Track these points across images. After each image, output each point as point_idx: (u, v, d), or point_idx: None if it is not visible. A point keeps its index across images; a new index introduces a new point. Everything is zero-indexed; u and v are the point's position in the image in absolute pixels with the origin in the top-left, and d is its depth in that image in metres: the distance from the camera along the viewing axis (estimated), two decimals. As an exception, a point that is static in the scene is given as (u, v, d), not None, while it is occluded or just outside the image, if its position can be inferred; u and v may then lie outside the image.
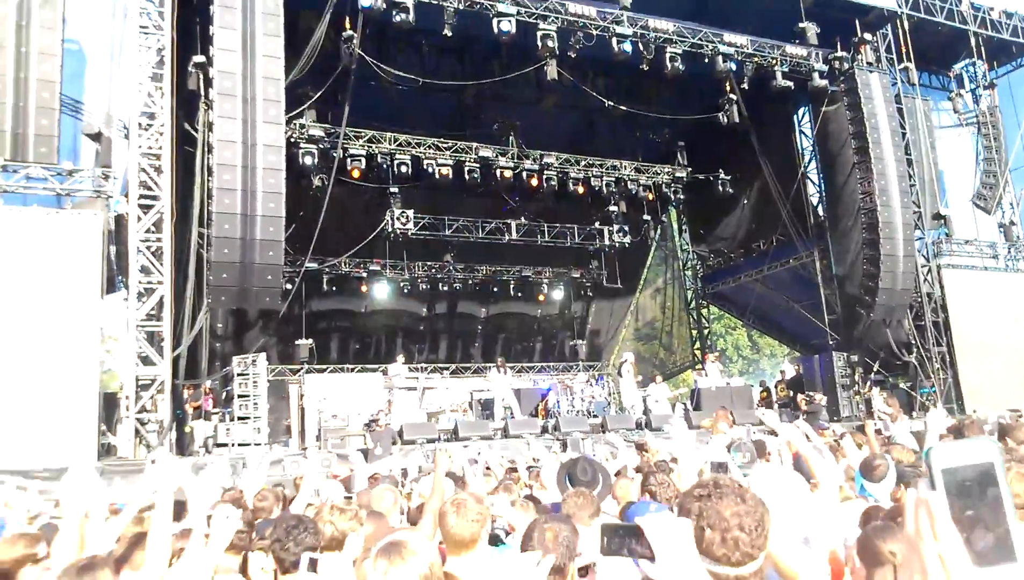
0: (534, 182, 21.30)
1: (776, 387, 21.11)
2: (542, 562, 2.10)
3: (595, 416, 18.09)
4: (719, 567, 1.73)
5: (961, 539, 0.99)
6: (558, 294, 25.75)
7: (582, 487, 4.96)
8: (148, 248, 13.61)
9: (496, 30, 16.11)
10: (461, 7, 15.98)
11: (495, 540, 4.13)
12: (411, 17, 15.28)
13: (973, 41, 21.65)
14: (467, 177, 20.24)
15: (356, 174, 19.22)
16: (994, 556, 1.02)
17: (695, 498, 1.88)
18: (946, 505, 1.01)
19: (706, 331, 27.71)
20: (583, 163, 22.04)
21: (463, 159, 20.26)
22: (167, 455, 12.56)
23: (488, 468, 9.75)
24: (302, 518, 3.82)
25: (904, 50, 20.53)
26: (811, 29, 18.77)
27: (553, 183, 21.36)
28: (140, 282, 13.59)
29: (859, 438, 8.80)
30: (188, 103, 15.05)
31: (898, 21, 20.43)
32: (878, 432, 9.86)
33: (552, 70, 16.96)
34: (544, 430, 16.32)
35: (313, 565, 3.14)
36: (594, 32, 17.25)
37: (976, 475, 1.04)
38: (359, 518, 3.74)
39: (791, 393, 20.12)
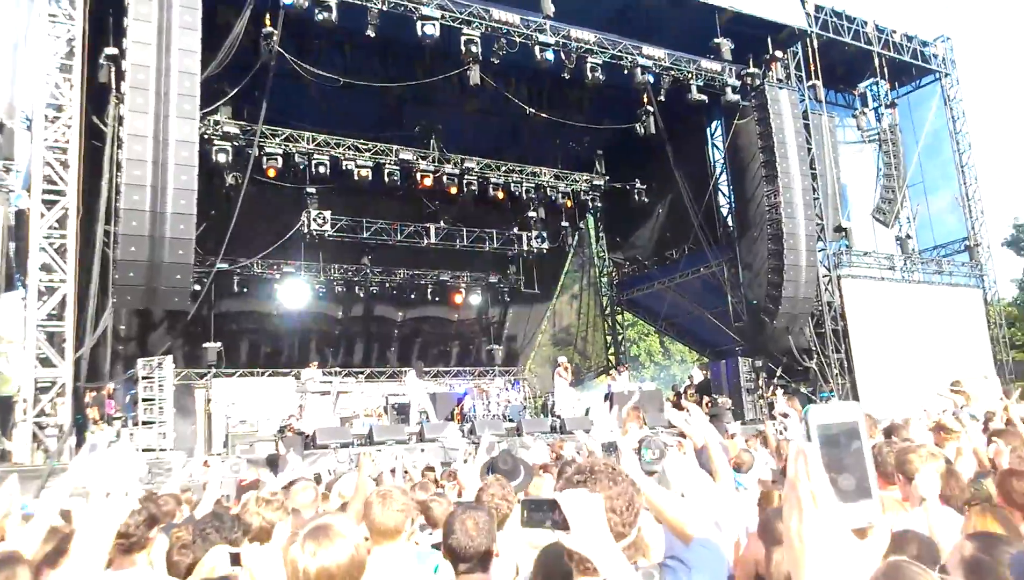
0: (453, 190, 21.26)
1: (685, 391, 21.69)
2: None
3: (511, 420, 18.19)
4: None
5: (829, 480, 1.21)
6: (476, 299, 25.75)
7: (505, 476, 5.05)
8: (51, 245, 13.03)
9: (420, 33, 16.03)
10: (385, 8, 15.85)
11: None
12: (333, 16, 15.07)
13: (877, 61, 22.71)
14: (386, 179, 20.04)
15: (272, 173, 18.78)
16: (854, 495, 1.25)
17: (572, 484, 2.02)
18: (819, 453, 1.23)
19: (620, 337, 28.21)
20: (503, 168, 22.13)
21: (383, 161, 20.06)
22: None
23: (406, 472, 9.73)
24: (219, 513, 3.78)
25: (812, 68, 21.42)
26: (725, 45, 19.37)
27: (473, 187, 21.37)
28: (41, 281, 12.99)
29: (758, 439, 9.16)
30: (97, 96, 14.48)
31: (808, 40, 21.31)
32: (778, 433, 10.25)
33: (475, 75, 16.99)
34: (460, 433, 16.31)
35: (236, 559, 3.10)
36: (517, 39, 17.36)
37: (844, 431, 1.27)
38: (285, 508, 3.78)
39: (700, 397, 20.72)
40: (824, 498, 1.21)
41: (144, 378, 14.83)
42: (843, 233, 22.18)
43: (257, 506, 3.77)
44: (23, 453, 12.42)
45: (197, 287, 16.88)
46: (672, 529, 2.50)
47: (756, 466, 4.94)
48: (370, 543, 3.32)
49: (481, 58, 16.95)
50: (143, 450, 13.97)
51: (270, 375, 21.02)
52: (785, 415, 11.98)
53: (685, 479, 3.44)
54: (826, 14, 21.85)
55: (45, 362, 12.94)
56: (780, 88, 20.63)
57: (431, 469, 8.97)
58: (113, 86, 14.28)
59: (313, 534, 2.15)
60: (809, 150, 21.08)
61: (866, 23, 22.69)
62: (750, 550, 3.40)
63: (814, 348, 21.04)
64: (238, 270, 20.62)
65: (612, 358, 27.08)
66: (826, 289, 21.23)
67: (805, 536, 1.22)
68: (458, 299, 25.04)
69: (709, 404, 19.89)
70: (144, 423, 14.46)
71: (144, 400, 14.63)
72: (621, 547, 1.97)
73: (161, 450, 14.20)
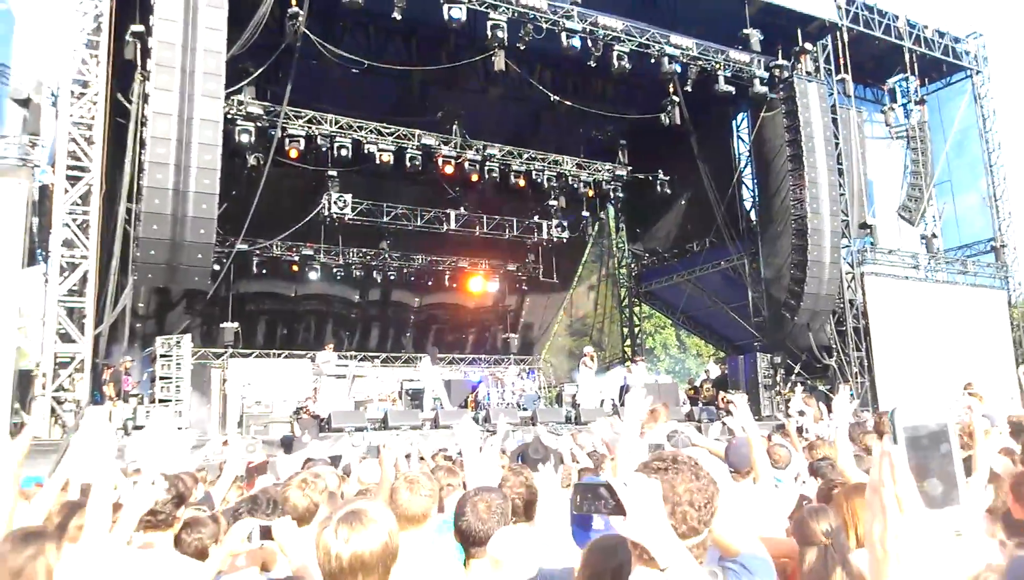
0: (474, 177, 21.13)
1: (702, 386, 21.57)
2: None
3: (525, 409, 18.14)
4: None
5: (915, 485, 1.17)
6: (493, 286, 25.63)
7: (535, 465, 5.01)
8: (74, 221, 13.07)
9: (446, 17, 15.87)
10: (412, -9, 15.71)
11: None
12: (361, -2, 14.98)
13: (907, 57, 22.37)
14: (408, 164, 19.93)
15: (294, 155, 18.74)
16: (942, 500, 1.21)
17: (653, 470, 1.97)
18: (905, 456, 1.18)
19: (637, 329, 28.08)
20: (525, 156, 21.97)
21: (405, 145, 19.93)
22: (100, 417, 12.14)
23: (421, 458, 9.69)
24: (254, 496, 3.74)
25: (842, 62, 21.11)
26: (755, 36, 19.11)
27: (495, 174, 21.22)
28: (63, 256, 13.03)
29: (784, 436, 9.05)
30: (123, 73, 14.48)
31: (838, 33, 21.00)
32: (800, 431, 10.10)
33: (500, 61, 16.84)
34: (474, 422, 16.25)
35: (266, 534, 3.06)
36: (544, 25, 17.19)
37: (932, 433, 1.23)
38: (327, 490, 3.76)
39: (716, 392, 20.60)
40: (910, 504, 1.17)
41: (162, 356, 14.88)
42: (868, 230, 21.92)
43: (300, 488, 3.73)
44: (41, 427, 12.49)
45: (217, 267, 16.87)
46: (716, 544, 2.43)
47: (793, 462, 4.86)
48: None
49: (506, 44, 16.78)
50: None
51: (286, 357, 21.03)
52: (801, 413, 11.84)
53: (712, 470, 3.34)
54: (857, 7, 21.53)
55: (65, 337, 13.00)
56: (809, 81, 20.36)
57: (448, 458, 8.90)
58: (139, 63, 14.25)
59: (347, 519, 2.12)
60: (837, 145, 20.82)
61: (897, 17, 22.35)
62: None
63: (834, 346, 20.86)
64: (257, 251, 20.61)
65: (628, 350, 26.95)
66: (849, 286, 21.02)
67: (889, 544, 1.18)
68: (475, 286, 24.95)
69: (725, 399, 19.76)
70: (161, 401, 14.51)
71: (161, 378, 14.68)
72: (692, 544, 1.93)
73: (178, 428, 14.24)
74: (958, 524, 1.22)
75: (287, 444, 13.43)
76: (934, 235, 23.71)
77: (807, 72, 20.50)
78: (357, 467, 7.26)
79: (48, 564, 2.55)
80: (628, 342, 27.48)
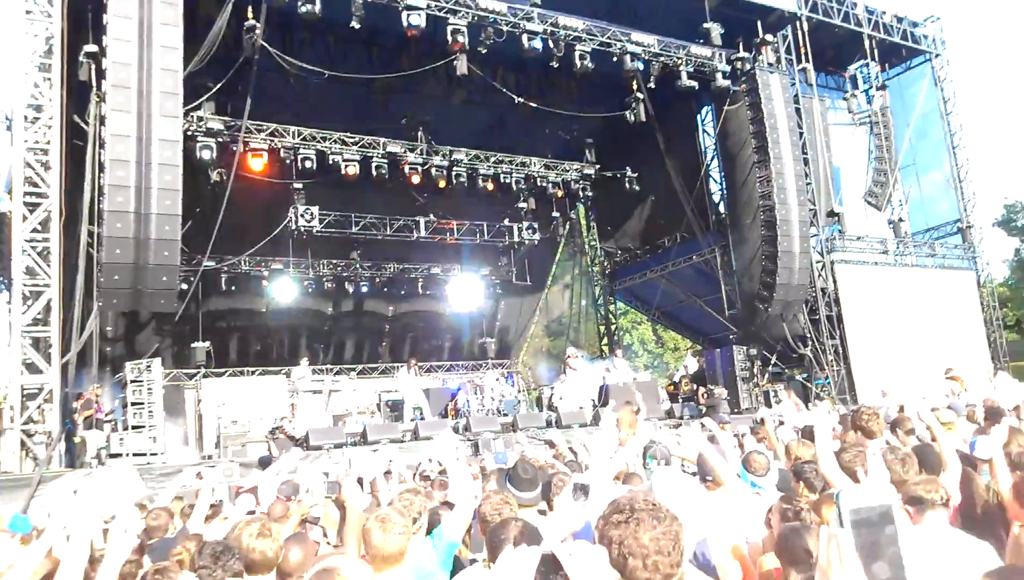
0: (442, 183, 21.02)
1: (680, 381, 21.57)
2: None
3: (505, 415, 18.01)
4: None
5: (862, 566, 1.19)
6: (467, 291, 25.47)
7: (524, 486, 4.92)
8: (34, 248, 12.76)
9: (405, 23, 15.77)
10: (370, -1, 15.55)
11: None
12: (317, 8, 14.79)
13: (867, 43, 22.52)
14: (374, 173, 19.78)
15: (258, 169, 18.54)
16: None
17: (614, 524, 1.96)
18: (851, 539, 1.21)
19: (613, 326, 28.10)
20: (493, 159, 21.89)
21: (370, 154, 19.79)
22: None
23: (402, 480, 9.55)
24: (229, 544, 3.61)
25: (803, 51, 21.19)
26: (715, 30, 19.20)
27: (463, 179, 21.13)
28: (25, 285, 12.73)
29: (762, 432, 8.93)
30: (78, 94, 14.16)
31: (798, 23, 21.10)
32: (780, 424, 10.06)
33: (462, 65, 16.75)
34: (455, 430, 16.12)
35: None
36: (505, 28, 17.12)
37: (877, 515, 1.25)
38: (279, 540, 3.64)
39: (695, 387, 20.61)
40: None
41: (132, 382, 14.58)
42: (836, 218, 22.03)
43: (263, 535, 3.57)
44: (11, 462, 12.20)
45: (184, 286, 16.60)
46: None
47: (773, 467, 4.80)
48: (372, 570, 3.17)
49: (468, 48, 16.69)
50: (134, 454, 13.73)
51: (260, 374, 20.76)
52: (779, 401, 11.80)
53: (675, 495, 3.29)
54: (816, -4, 21.66)
55: (31, 368, 12.71)
56: (771, 72, 20.43)
57: (426, 478, 8.75)
58: (94, 84, 13.95)
59: (318, 577, 2.03)
60: (801, 134, 20.92)
61: (856, 4, 22.48)
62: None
63: (808, 335, 20.95)
64: (225, 268, 20.34)
65: (605, 347, 26.95)
66: (820, 275, 21.12)
67: None
68: (449, 292, 24.82)
69: (705, 395, 19.78)
70: (134, 428, 14.23)
71: (133, 404, 14.40)
72: None
73: (152, 454, 13.98)
74: None
75: (264, 465, 13.24)
76: (901, 219, 23.87)
77: (768, 63, 20.56)
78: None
79: None
80: (605, 340, 27.48)
